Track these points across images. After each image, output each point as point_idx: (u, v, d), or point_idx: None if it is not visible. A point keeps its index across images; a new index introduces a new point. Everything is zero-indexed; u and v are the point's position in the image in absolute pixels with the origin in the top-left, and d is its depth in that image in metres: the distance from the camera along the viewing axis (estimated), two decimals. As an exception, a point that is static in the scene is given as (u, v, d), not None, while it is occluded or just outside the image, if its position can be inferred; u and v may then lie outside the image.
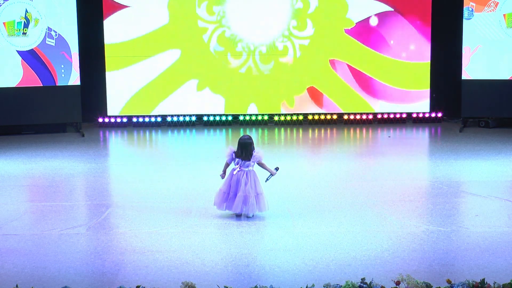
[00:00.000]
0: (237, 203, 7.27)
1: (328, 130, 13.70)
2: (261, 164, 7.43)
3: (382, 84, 14.09)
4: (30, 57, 12.91)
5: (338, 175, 9.75)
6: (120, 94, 14.00)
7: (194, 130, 13.79)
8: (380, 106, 14.16)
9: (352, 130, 13.64)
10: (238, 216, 7.39)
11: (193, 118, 14.19)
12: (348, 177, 9.55)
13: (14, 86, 12.94)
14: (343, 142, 12.78)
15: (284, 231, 6.94)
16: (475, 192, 8.48)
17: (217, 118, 14.19)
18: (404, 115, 14.20)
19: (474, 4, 13.08)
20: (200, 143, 12.77)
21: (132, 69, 13.97)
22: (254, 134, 13.17)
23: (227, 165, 7.51)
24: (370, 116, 14.18)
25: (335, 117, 14.24)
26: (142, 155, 12.01)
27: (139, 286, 5.30)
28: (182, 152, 12.12)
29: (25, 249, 6.47)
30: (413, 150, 11.97)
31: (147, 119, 14.14)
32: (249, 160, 7.32)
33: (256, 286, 5.24)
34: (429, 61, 14.04)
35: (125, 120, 14.18)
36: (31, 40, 12.90)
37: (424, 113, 14.25)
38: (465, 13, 13.15)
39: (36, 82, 13.01)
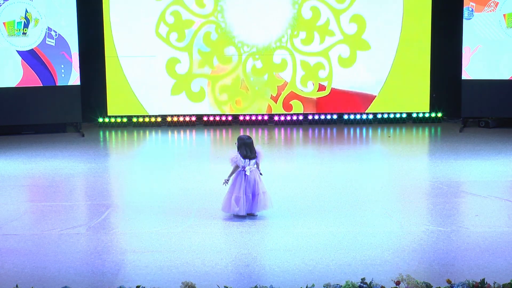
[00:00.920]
0: (260, 202, 7.29)
1: (328, 130, 13.69)
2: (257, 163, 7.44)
3: (382, 83, 14.10)
4: (30, 57, 12.91)
5: (338, 175, 9.74)
6: (120, 94, 14.01)
7: (194, 130, 13.79)
8: (380, 106, 14.15)
9: (352, 130, 13.64)
10: (250, 215, 7.37)
11: (193, 118, 14.19)
12: (348, 177, 9.54)
13: (14, 86, 12.94)
14: (343, 142, 12.78)
15: (284, 231, 6.94)
16: (475, 192, 8.48)
17: (217, 118, 14.19)
18: (404, 115, 14.20)
19: (474, 4, 13.08)
20: (200, 143, 12.77)
21: (132, 69, 13.99)
22: (254, 134, 13.17)
23: (236, 169, 7.41)
24: (370, 116, 14.17)
25: (335, 117, 14.24)
26: (142, 155, 12.01)
27: (139, 286, 5.30)
28: (182, 152, 12.12)
29: (25, 249, 6.47)
30: (413, 150, 11.98)
31: (147, 119, 14.13)
32: (255, 158, 7.33)
33: (256, 286, 5.24)
34: (429, 61, 14.03)
35: (125, 120, 14.18)
36: (31, 40, 12.89)
37: (424, 113, 14.25)
38: (465, 13, 13.14)
39: (36, 82, 13.01)
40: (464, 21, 13.16)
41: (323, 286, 5.26)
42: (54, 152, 11.49)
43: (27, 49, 12.89)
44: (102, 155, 11.56)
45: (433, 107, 14.25)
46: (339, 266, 5.89)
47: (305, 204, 7.96)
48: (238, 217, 7.35)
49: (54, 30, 12.97)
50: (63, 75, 13.11)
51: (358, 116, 14.19)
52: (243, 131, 13.38)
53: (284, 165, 10.38)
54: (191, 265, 5.95)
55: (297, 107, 14.17)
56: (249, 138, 7.45)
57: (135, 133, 13.54)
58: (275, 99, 14.22)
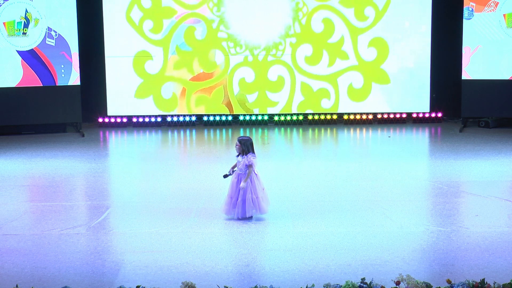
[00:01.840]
0: (239, 207, 7.28)
1: (328, 130, 13.69)
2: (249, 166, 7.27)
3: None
4: (30, 57, 12.91)
5: (338, 175, 9.74)
6: (120, 94, 13.98)
7: (194, 130, 13.79)
8: (380, 106, 14.15)
9: (352, 130, 13.64)
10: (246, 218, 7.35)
11: (193, 118, 14.18)
12: (348, 177, 9.54)
13: (14, 86, 12.94)
14: (343, 142, 12.78)
15: (284, 231, 6.94)
16: (475, 192, 8.48)
17: (217, 118, 14.15)
18: (404, 115, 14.20)
19: (474, 4, 13.08)
20: (200, 143, 12.77)
21: (133, 68, 13.97)
22: (254, 134, 13.17)
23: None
24: (370, 116, 14.17)
25: (335, 117, 14.23)
26: (142, 155, 12.01)
27: (139, 286, 5.30)
28: (182, 152, 12.12)
29: (25, 249, 6.47)
30: (413, 150, 11.97)
31: (147, 119, 14.13)
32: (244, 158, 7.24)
33: (256, 286, 5.24)
34: (429, 61, 14.03)
35: (125, 120, 14.18)
36: (31, 40, 12.89)
37: (424, 113, 14.25)
38: (465, 13, 13.14)
39: (36, 82, 13.01)
40: (464, 21, 13.16)
41: (323, 286, 5.26)
42: (54, 152, 11.49)
43: (27, 49, 12.89)
44: (102, 155, 11.56)
45: (433, 107, 14.24)
46: (339, 266, 5.89)
47: (305, 204, 7.97)
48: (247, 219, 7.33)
49: (54, 30, 12.97)
50: (63, 75, 13.11)
51: (358, 116, 14.18)
52: (243, 131, 13.38)
53: (284, 165, 10.38)
54: (191, 265, 5.95)
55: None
56: (249, 138, 7.43)
57: (135, 133, 13.54)
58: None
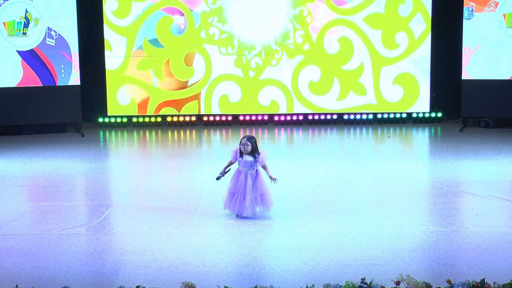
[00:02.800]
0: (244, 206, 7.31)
1: (328, 130, 13.69)
2: (264, 167, 7.41)
3: (382, 83, 14.08)
4: (30, 57, 12.91)
5: (338, 175, 9.74)
6: (120, 94, 13.97)
7: (194, 130, 13.79)
8: (380, 106, 14.14)
9: (352, 130, 13.64)
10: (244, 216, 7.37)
11: (193, 118, 14.18)
12: (348, 177, 9.54)
13: (14, 86, 12.94)
14: (343, 142, 12.78)
15: (284, 231, 6.94)
16: (475, 192, 8.48)
17: (217, 118, 14.15)
18: (404, 115, 14.20)
19: (474, 4, 13.08)
20: (200, 143, 12.77)
21: (133, 69, 13.96)
22: (254, 134, 13.16)
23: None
24: (370, 116, 14.17)
25: (335, 117, 14.23)
26: (142, 155, 12.00)
27: (139, 286, 5.30)
28: (182, 152, 12.12)
29: (25, 249, 6.47)
30: (413, 150, 11.97)
31: (147, 119, 14.13)
32: (254, 159, 7.30)
33: (256, 286, 5.24)
34: (429, 61, 14.03)
35: (125, 120, 14.18)
36: (31, 40, 12.90)
37: (424, 113, 14.25)
38: (465, 13, 13.14)
39: (36, 82, 13.01)
40: (464, 21, 13.16)
41: (323, 286, 5.26)
42: (54, 152, 11.48)
43: (27, 49, 12.89)
44: (102, 155, 11.55)
45: (433, 107, 14.25)
46: (339, 266, 5.88)
47: (305, 204, 7.96)
48: (237, 216, 7.36)
49: (54, 30, 12.97)
50: (63, 75, 13.11)
51: (358, 116, 14.18)
52: (243, 131, 13.38)
53: (284, 165, 10.37)
54: (191, 265, 5.95)
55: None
56: (252, 137, 7.45)
57: (135, 133, 13.54)
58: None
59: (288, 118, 14.18)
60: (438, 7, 13.95)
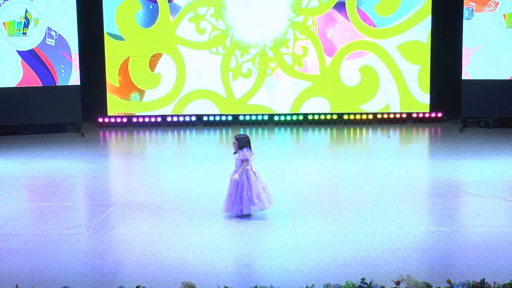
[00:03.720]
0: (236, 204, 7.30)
1: (328, 130, 13.69)
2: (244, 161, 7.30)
3: (383, 83, 14.08)
4: (30, 57, 12.91)
5: (338, 175, 9.74)
6: (120, 94, 13.98)
7: (194, 130, 13.79)
8: (380, 106, 14.13)
9: (352, 130, 13.64)
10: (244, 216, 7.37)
11: (193, 118, 14.18)
12: (348, 177, 9.54)
13: (14, 86, 12.94)
14: (343, 142, 12.78)
15: (284, 231, 6.94)
16: (475, 192, 8.48)
17: (217, 118, 14.16)
18: (404, 115, 14.20)
19: (474, 4, 13.08)
20: (200, 143, 12.77)
21: (134, 69, 13.96)
22: (254, 134, 13.17)
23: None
24: (370, 116, 14.17)
25: (335, 117, 14.23)
26: (142, 155, 12.01)
27: (139, 286, 5.30)
28: (182, 152, 12.12)
29: (25, 249, 6.47)
30: (413, 150, 11.97)
31: (147, 119, 14.13)
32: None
33: (256, 286, 5.24)
34: (429, 61, 14.03)
35: (125, 120, 14.18)
36: (31, 40, 12.89)
37: (424, 113, 14.25)
38: (465, 13, 13.14)
39: (36, 82, 13.01)
40: (464, 21, 13.16)
41: (323, 286, 5.26)
42: (54, 152, 11.48)
43: (27, 49, 12.89)
44: (102, 155, 11.55)
45: (433, 107, 14.24)
46: (339, 266, 5.88)
47: (305, 204, 7.96)
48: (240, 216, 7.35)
49: (54, 30, 12.97)
50: (63, 75, 13.11)
51: (358, 116, 14.18)
52: (243, 131, 13.38)
53: (284, 165, 10.38)
54: (191, 265, 5.95)
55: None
56: (246, 136, 7.43)
57: (135, 133, 13.54)
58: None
59: (288, 118, 14.18)
60: (438, 7, 13.94)
